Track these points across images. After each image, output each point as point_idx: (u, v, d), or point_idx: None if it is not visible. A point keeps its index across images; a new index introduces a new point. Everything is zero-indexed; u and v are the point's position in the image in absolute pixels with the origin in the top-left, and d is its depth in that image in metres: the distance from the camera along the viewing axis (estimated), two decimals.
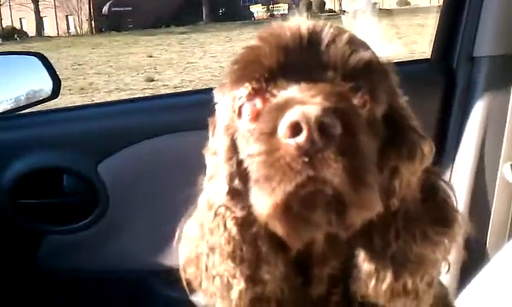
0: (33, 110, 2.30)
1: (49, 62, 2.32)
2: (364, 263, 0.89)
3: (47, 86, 2.30)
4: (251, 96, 0.84)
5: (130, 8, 30.01)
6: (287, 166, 0.74)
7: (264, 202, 0.77)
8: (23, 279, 2.08)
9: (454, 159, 1.93)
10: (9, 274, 2.09)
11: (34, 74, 2.30)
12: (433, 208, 0.92)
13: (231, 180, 0.87)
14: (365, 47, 0.87)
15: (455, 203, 0.95)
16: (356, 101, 0.81)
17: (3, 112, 2.21)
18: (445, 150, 1.95)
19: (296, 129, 0.73)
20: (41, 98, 2.31)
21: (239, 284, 0.89)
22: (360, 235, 0.87)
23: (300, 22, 0.86)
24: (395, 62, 0.97)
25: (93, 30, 29.67)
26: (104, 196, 1.96)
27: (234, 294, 0.89)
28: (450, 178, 1.93)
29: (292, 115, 0.73)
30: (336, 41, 0.83)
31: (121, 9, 30.09)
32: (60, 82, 2.35)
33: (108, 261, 2.00)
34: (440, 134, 1.95)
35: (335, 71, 0.81)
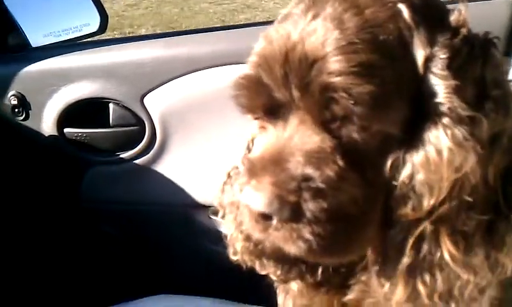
0: (79, 42, 2.28)
1: None
2: (373, 277, 0.85)
3: (94, 20, 2.28)
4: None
5: None
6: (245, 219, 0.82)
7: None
8: (68, 208, 2.09)
9: None
10: (54, 203, 2.11)
11: (82, 8, 2.28)
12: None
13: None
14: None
15: None
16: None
17: (50, 44, 2.20)
18: None
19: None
20: (88, 32, 2.29)
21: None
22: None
23: (290, 39, 0.79)
24: None
25: None
26: (150, 128, 1.93)
27: None
28: None
29: (241, 199, 0.81)
30: (315, 71, 0.76)
31: None
32: (107, 17, 2.32)
33: (154, 194, 1.98)
34: None
35: (310, 109, 0.79)
